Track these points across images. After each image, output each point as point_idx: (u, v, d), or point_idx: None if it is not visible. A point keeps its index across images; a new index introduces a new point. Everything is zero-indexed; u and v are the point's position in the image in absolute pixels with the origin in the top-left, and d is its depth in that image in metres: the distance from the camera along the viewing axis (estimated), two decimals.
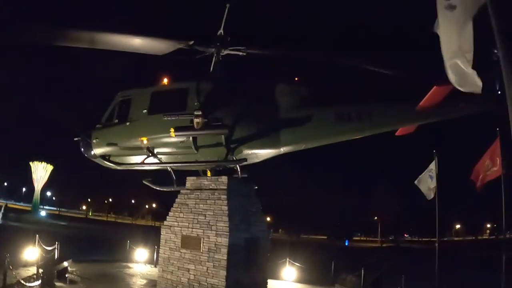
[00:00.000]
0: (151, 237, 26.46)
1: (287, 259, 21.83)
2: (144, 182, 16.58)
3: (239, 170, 15.13)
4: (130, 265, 22.51)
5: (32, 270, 16.27)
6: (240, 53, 15.47)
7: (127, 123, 15.39)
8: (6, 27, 13.34)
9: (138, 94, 15.69)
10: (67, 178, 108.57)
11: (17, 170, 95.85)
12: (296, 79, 15.17)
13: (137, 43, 14.36)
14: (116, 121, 15.79)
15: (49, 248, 19.35)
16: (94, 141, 16.13)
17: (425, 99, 12.38)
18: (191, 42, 14.60)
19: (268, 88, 14.67)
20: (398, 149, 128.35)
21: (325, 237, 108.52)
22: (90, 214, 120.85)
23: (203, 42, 15.12)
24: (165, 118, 14.03)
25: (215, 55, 15.48)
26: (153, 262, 22.33)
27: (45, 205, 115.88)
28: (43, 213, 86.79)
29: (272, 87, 14.63)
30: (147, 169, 16.34)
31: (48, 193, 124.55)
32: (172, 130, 13.69)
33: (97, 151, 16.22)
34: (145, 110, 15.11)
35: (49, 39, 14.08)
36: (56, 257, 18.54)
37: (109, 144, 15.86)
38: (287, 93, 14.46)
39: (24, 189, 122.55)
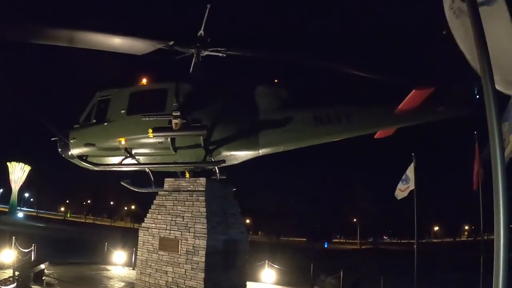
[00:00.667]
0: (130, 239, 26.27)
1: (266, 261, 21.81)
2: (122, 183, 16.41)
3: (217, 171, 15.12)
4: (108, 267, 22.33)
5: (8, 273, 16.05)
6: (220, 54, 15.39)
7: (105, 123, 15.14)
8: None
9: (117, 94, 15.47)
10: (45, 179, 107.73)
11: None
12: (275, 81, 15.16)
13: (116, 42, 14.18)
14: (94, 121, 15.52)
15: (26, 250, 19.12)
16: (71, 141, 15.85)
17: (404, 102, 12.47)
18: (171, 43, 14.49)
19: (248, 90, 14.64)
20: (378, 151, 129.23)
21: (305, 239, 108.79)
22: (68, 215, 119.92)
23: (183, 42, 15.00)
24: (144, 119, 13.85)
25: (195, 56, 15.37)
26: (131, 264, 22.15)
27: (23, 207, 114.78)
28: (20, 214, 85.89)
29: (252, 88, 14.60)
30: (125, 170, 16.16)
31: (26, 194, 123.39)
32: (150, 130, 13.51)
33: (74, 151, 15.94)
34: (124, 110, 14.89)
35: (26, 36, 13.79)
36: (32, 259, 18.31)
37: (86, 145, 15.60)
38: (267, 94, 14.44)
39: (1, 190, 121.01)
